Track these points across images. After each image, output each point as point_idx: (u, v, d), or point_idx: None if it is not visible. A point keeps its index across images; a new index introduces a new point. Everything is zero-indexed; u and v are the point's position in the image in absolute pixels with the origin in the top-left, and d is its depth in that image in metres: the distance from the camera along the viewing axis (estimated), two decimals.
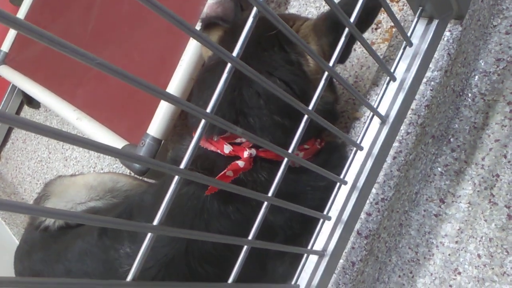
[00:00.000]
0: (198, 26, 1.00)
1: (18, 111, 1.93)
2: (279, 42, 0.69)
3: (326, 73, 0.47)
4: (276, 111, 0.66)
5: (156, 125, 1.00)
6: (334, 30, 0.67)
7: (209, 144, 0.68)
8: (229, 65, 0.35)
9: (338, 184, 0.60)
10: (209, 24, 0.77)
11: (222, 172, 0.60)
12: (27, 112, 1.91)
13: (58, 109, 1.30)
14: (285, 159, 0.46)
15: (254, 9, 0.36)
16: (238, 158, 0.64)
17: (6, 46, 1.65)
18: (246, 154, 0.64)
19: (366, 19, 0.66)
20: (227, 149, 0.66)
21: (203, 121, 0.35)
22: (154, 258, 0.64)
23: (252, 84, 0.67)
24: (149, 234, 0.34)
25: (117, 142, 1.06)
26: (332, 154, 0.73)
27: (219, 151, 0.67)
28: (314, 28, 0.69)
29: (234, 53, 0.36)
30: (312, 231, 0.60)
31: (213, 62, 0.75)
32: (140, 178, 1.06)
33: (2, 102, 1.85)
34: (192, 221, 0.65)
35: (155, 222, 0.35)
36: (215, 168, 0.65)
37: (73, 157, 1.59)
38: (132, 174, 1.15)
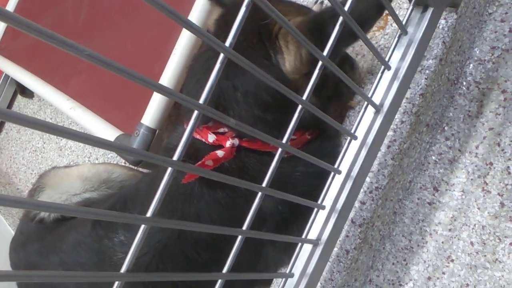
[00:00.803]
0: (192, 15, 0.99)
1: (11, 101, 1.91)
2: (260, 38, 0.66)
3: (320, 63, 0.47)
4: (256, 105, 0.66)
5: (151, 115, 0.99)
6: (316, 35, 0.61)
7: (195, 133, 0.69)
8: (221, 55, 0.35)
9: (332, 173, 0.60)
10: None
11: (201, 161, 0.60)
12: (21, 102, 1.89)
13: (51, 98, 1.29)
14: (279, 150, 0.46)
15: None
16: (222, 147, 0.64)
17: None
18: (228, 143, 0.64)
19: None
20: (211, 138, 0.67)
21: (195, 112, 0.35)
22: (148, 245, 0.64)
23: (229, 77, 0.66)
24: (142, 226, 0.34)
25: (111, 132, 1.06)
26: (324, 142, 0.73)
27: (203, 139, 0.67)
28: (298, 27, 0.63)
29: (227, 43, 0.35)
30: (302, 215, 0.60)
31: (203, 49, 0.75)
32: (135, 168, 1.06)
33: None
34: (182, 207, 0.66)
35: (149, 214, 0.35)
36: (199, 156, 0.65)
37: (68, 147, 1.58)
38: (127, 164, 1.15)
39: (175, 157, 0.35)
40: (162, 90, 0.31)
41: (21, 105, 1.88)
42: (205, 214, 0.66)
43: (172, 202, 0.66)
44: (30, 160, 1.73)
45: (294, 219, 0.70)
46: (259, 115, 0.66)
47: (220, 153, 0.62)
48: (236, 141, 0.65)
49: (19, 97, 1.90)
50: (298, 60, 0.65)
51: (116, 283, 0.34)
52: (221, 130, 0.67)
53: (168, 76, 0.98)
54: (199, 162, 0.60)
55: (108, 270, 0.67)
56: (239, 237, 0.45)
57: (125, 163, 1.22)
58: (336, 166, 0.61)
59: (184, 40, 0.97)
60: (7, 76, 1.82)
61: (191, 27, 0.31)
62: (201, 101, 0.35)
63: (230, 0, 0.73)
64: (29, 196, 0.93)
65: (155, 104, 0.99)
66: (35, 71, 1.43)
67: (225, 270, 0.45)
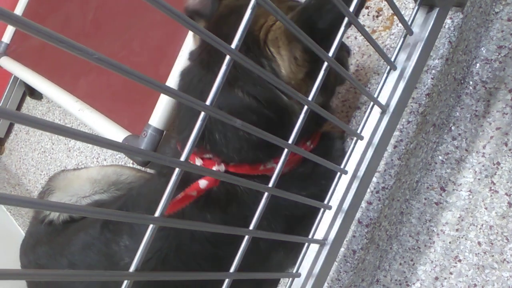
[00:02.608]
0: None
1: (20, 103, 1.93)
2: (248, 48, 0.63)
3: (325, 64, 0.47)
4: None
5: (158, 116, 1.00)
6: (306, 32, 0.56)
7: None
8: (228, 57, 0.36)
9: (338, 173, 0.60)
10: (191, 16, 0.74)
11: (182, 193, 0.57)
12: (30, 104, 1.91)
13: (60, 100, 1.30)
14: (285, 150, 0.46)
15: (253, 0, 0.35)
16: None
17: (7, 37, 1.65)
18: (214, 169, 0.62)
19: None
20: (198, 162, 0.65)
21: (202, 113, 0.35)
22: (151, 251, 0.64)
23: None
24: (151, 226, 0.35)
25: (119, 133, 1.07)
26: (328, 149, 0.71)
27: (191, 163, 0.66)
28: (286, 30, 0.61)
29: (233, 45, 0.36)
30: (296, 232, 0.59)
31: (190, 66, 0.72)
32: (143, 169, 1.07)
33: (4, 94, 1.85)
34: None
35: (157, 214, 0.35)
36: (190, 179, 0.63)
37: (76, 148, 1.59)
38: (135, 165, 1.16)
39: (182, 158, 0.35)
40: (170, 92, 0.32)
41: (30, 106, 1.90)
42: (198, 233, 0.65)
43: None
44: (39, 161, 1.75)
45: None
46: (244, 136, 0.63)
47: (202, 183, 0.60)
48: (222, 167, 0.63)
49: (28, 99, 1.92)
50: (294, 63, 0.63)
51: (125, 282, 0.35)
52: (206, 156, 0.65)
53: (175, 78, 0.99)
54: (182, 195, 0.57)
55: None
56: (246, 237, 0.45)
57: (133, 163, 1.23)
58: (342, 166, 0.61)
59: (191, 41, 0.98)
60: (16, 78, 1.84)
61: (197, 29, 0.32)
62: (207, 102, 0.35)
63: (209, 11, 0.69)
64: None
65: (163, 105, 1.00)
66: (44, 72, 1.44)
67: (232, 269, 0.45)
